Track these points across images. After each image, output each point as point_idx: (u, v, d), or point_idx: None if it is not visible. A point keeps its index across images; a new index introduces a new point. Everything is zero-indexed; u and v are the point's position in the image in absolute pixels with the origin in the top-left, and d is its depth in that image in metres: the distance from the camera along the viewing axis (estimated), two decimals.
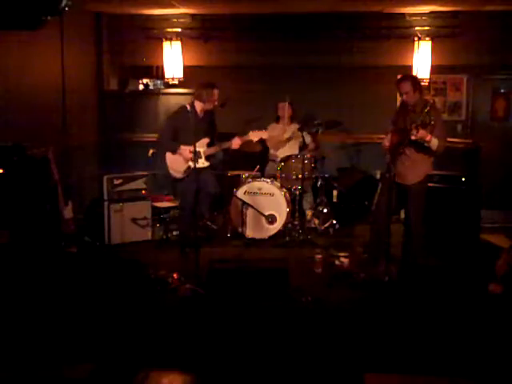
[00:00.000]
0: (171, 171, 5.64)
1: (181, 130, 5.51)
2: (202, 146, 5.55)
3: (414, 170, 4.96)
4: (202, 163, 5.58)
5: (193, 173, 5.40)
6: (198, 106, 5.58)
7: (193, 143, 5.06)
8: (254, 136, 5.60)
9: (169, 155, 5.61)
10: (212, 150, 5.65)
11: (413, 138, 4.67)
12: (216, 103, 5.54)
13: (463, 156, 6.85)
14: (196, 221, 5.36)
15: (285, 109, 6.66)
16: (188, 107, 5.48)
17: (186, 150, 5.49)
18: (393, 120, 5.17)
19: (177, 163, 5.59)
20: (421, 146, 4.81)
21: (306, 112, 6.91)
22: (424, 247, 5.28)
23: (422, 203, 5.03)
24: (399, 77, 5.05)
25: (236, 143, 5.57)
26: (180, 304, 4.42)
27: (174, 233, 6.10)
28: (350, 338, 3.86)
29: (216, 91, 5.53)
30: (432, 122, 4.67)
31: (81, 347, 3.69)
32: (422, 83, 7.08)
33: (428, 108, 4.69)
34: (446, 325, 3.97)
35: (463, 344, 3.71)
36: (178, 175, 5.62)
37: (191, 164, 5.46)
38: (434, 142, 4.75)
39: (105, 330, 3.94)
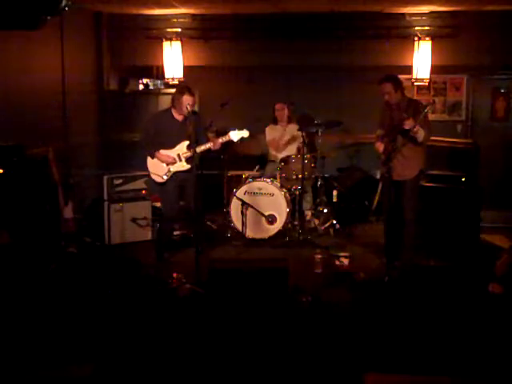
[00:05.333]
0: (153, 176, 5.51)
1: (159, 133, 5.43)
2: (181, 149, 5.45)
3: (409, 165, 5.12)
4: (182, 166, 5.46)
5: (173, 176, 5.44)
6: (173, 110, 5.46)
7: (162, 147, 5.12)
8: (235, 136, 5.44)
9: (149, 159, 5.51)
10: (190, 153, 5.38)
11: (406, 127, 4.87)
12: (187, 110, 5.12)
13: (463, 156, 6.84)
14: (198, 221, 5.36)
15: (282, 110, 6.66)
16: (168, 111, 5.46)
17: (163, 154, 5.43)
18: (380, 123, 5.40)
19: (157, 167, 5.47)
20: (408, 137, 4.97)
21: (305, 112, 6.91)
22: (424, 247, 5.30)
23: (415, 200, 5.19)
24: (381, 78, 5.18)
25: (213, 144, 5.39)
26: (180, 304, 4.42)
27: (175, 233, 6.09)
28: (350, 337, 3.86)
29: (186, 97, 5.22)
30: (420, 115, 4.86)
31: (81, 347, 3.69)
32: (422, 83, 7.16)
33: (428, 108, 4.93)
34: (446, 325, 3.97)
35: (463, 344, 3.71)
36: (159, 179, 5.49)
37: (171, 168, 5.44)
38: (421, 133, 4.95)
39: (105, 330, 3.94)
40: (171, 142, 5.44)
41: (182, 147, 5.46)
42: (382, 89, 5.14)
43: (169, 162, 5.43)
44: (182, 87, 5.45)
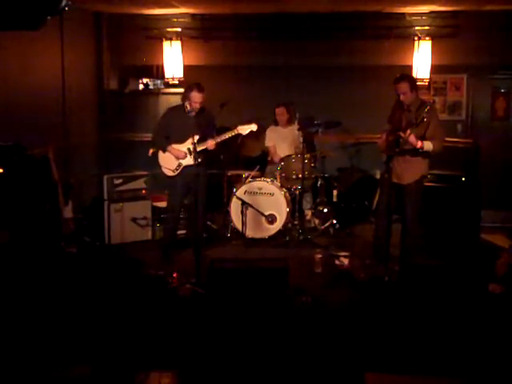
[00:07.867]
0: (164, 169, 5.59)
1: (172, 127, 5.50)
2: (190, 143, 5.42)
3: (410, 170, 5.04)
4: (192, 160, 5.46)
5: (183, 171, 5.48)
6: (187, 105, 5.46)
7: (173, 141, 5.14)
8: (243, 130, 5.52)
9: (160, 153, 5.59)
10: (200, 147, 5.37)
11: (402, 135, 4.71)
12: (196, 106, 5.29)
13: (463, 156, 6.85)
14: (196, 220, 5.36)
15: (282, 115, 6.65)
16: (181, 106, 5.46)
17: (175, 149, 5.48)
18: (389, 118, 5.24)
19: (168, 161, 5.54)
20: (416, 152, 4.86)
21: (305, 112, 6.90)
22: (424, 247, 5.29)
23: (417, 203, 5.11)
24: (396, 76, 5.05)
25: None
26: (180, 304, 4.42)
27: (179, 232, 6.08)
28: (351, 337, 3.86)
29: (195, 94, 5.30)
30: (425, 119, 4.69)
31: (80, 347, 3.69)
32: (422, 83, 7.14)
33: (428, 108, 4.72)
34: (445, 325, 3.97)
35: (463, 344, 3.72)
36: (170, 173, 5.55)
37: (182, 162, 5.49)
38: (428, 146, 4.82)
39: (105, 330, 3.94)
40: (182, 137, 5.47)
41: (191, 142, 5.50)
42: (397, 88, 4.96)
43: (180, 157, 5.49)
44: (192, 83, 5.49)
